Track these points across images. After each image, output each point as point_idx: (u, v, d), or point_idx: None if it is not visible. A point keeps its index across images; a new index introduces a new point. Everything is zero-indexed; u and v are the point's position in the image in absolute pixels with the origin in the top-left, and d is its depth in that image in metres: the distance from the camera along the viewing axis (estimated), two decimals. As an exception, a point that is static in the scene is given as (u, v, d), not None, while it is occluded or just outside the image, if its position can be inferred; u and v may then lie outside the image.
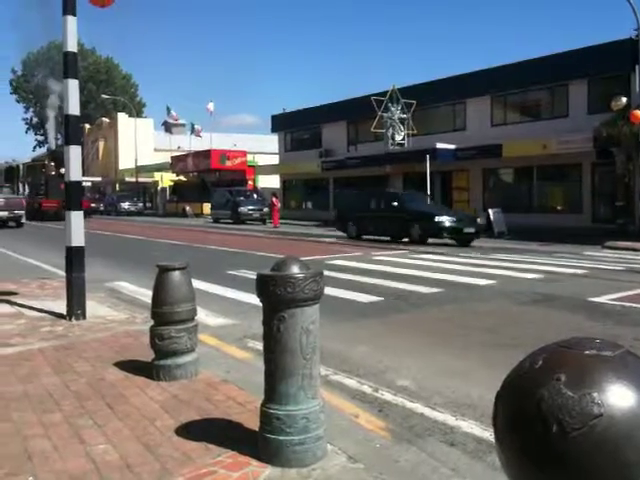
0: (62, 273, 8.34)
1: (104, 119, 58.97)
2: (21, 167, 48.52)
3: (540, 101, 28.58)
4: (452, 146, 28.87)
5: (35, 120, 69.22)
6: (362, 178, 34.97)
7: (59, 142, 57.91)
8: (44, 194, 38.64)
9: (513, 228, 23.21)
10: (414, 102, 31.54)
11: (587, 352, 1.25)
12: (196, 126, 52.23)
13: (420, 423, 4.01)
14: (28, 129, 70.71)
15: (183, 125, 56.21)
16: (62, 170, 35.02)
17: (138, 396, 4.26)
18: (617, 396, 1.17)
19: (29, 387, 4.46)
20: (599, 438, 1.14)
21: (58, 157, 36.75)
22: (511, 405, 1.28)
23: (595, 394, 1.17)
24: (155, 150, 61.80)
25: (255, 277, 3.22)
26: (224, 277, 11.06)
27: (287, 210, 40.19)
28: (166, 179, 54.21)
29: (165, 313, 4.58)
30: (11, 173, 50.80)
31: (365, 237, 21.32)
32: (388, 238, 20.48)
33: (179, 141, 57.43)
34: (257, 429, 3.28)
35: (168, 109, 55.19)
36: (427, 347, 6.17)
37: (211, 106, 51.09)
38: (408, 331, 6.94)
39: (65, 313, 6.96)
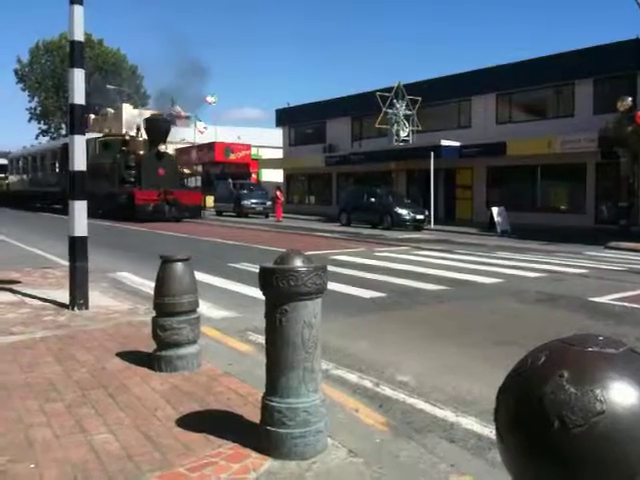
0: (65, 262, 8.36)
1: (109, 109, 58.88)
2: (90, 143, 34.63)
3: (545, 100, 28.50)
4: (457, 143, 28.81)
5: (39, 109, 69.09)
6: (366, 174, 34.94)
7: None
8: (135, 182, 28.86)
9: (516, 227, 23.19)
10: (419, 99, 31.49)
11: (590, 349, 1.25)
12: (199, 124, 51.57)
13: (420, 419, 4.02)
14: (31, 118, 70.60)
15: (188, 117, 56.05)
16: (162, 147, 28.73)
17: (139, 386, 4.28)
18: (620, 393, 1.17)
19: (31, 376, 4.48)
20: (601, 435, 1.15)
21: (156, 127, 29.28)
22: (513, 401, 1.28)
23: (598, 391, 1.17)
24: (159, 142, 61.45)
25: (257, 270, 3.23)
26: (226, 270, 11.07)
27: (290, 204, 40.16)
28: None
29: (167, 304, 4.59)
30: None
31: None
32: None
33: (183, 133, 57.34)
34: (258, 421, 3.29)
35: (172, 101, 55.07)
36: (429, 343, 6.18)
37: (210, 99, 50.64)
38: (410, 327, 6.95)
39: (68, 303, 6.98)
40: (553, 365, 1.24)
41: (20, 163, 45.37)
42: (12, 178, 47.73)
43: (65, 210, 28.19)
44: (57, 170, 35.71)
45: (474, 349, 5.92)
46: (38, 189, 38.29)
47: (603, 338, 1.30)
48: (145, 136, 30.18)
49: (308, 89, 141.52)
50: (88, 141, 32.92)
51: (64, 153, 34.37)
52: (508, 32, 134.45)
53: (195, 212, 29.50)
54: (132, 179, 28.77)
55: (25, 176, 43.31)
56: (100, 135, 34.83)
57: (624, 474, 1.15)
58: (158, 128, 29.27)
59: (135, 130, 31.89)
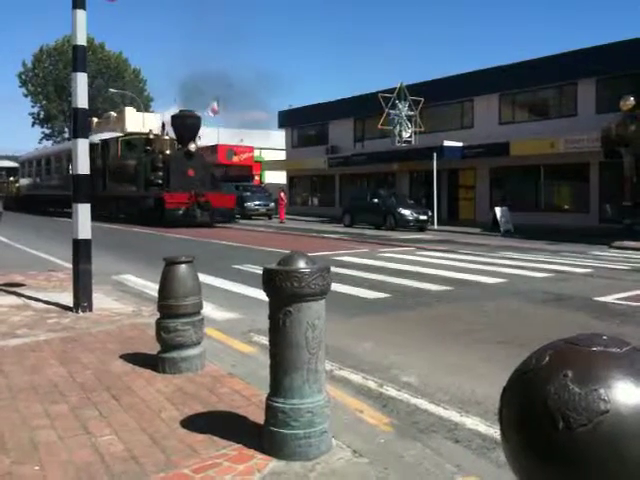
0: (68, 265, 8.37)
1: (112, 113, 58.96)
2: (112, 143, 30.58)
3: (548, 100, 28.48)
4: (459, 144, 28.79)
5: (42, 114, 69.22)
6: (368, 175, 34.96)
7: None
8: (163, 184, 26.33)
9: (519, 227, 23.19)
10: (422, 99, 31.48)
11: (594, 349, 1.25)
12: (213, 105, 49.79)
13: (425, 419, 4.02)
14: (34, 123, 70.74)
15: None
16: (191, 146, 26.23)
17: (144, 388, 4.28)
18: (624, 392, 1.17)
19: (35, 378, 4.48)
20: (605, 434, 1.15)
21: (184, 124, 26.85)
22: (518, 401, 1.28)
23: (602, 390, 1.17)
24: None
25: (261, 272, 3.23)
26: (229, 271, 11.07)
27: (293, 206, 40.19)
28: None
29: (171, 306, 4.60)
30: (89, 153, 35.84)
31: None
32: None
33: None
34: (262, 422, 3.30)
35: (176, 102, 55.03)
36: (433, 344, 6.17)
37: (215, 107, 50.02)
38: (414, 328, 6.94)
39: (72, 305, 6.99)
40: (557, 365, 1.24)
41: (32, 166, 42.99)
42: (23, 181, 45.52)
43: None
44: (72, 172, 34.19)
45: (478, 349, 5.91)
46: (51, 192, 35.96)
47: (607, 338, 1.30)
48: (170, 135, 28.35)
49: (310, 91, 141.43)
50: (110, 141, 29.39)
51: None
52: (510, 32, 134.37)
53: (229, 216, 27.60)
54: (159, 181, 26.59)
55: (38, 179, 41.07)
56: (122, 134, 32.43)
57: (628, 473, 1.15)
58: (187, 125, 27.03)
59: (160, 128, 30.01)
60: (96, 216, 27.12)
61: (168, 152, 27.29)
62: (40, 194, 39.14)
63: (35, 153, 46.82)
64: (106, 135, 32.68)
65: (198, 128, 27.70)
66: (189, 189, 25.20)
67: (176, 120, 27.20)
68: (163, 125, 29.52)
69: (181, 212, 24.82)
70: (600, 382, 1.18)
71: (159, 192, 25.76)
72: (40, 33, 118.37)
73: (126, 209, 27.78)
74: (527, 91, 28.41)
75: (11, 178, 48.97)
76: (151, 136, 28.91)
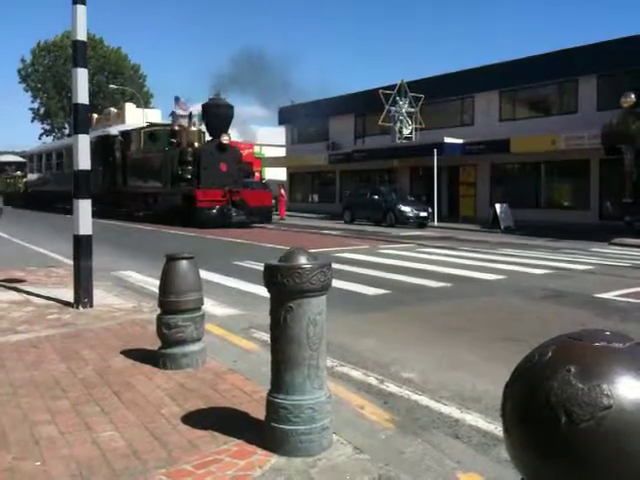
0: (69, 261, 8.38)
1: (112, 109, 58.91)
2: (134, 135, 28.06)
3: (549, 97, 28.46)
4: (460, 141, 28.79)
5: (42, 109, 69.10)
6: (369, 171, 34.93)
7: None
8: (193, 180, 23.91)
9: (520, 223, 23.20)
10: (422, 96, 31.46)
11: (597, 344, 1.25)
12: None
13: (425, 415, 4.02)
14: (34, 118, 70.62)
15: (192, 115, 55.61)
16: (224, 137, 23.73)
17: (145, 384, 4.29)
18: (627, 388, 1.17)
19: (36, 374, 4.49)
20: (608, 429, 1.15)
21: (217, 114, 24.52)
22: (520, 396, 1.28)
23: (604, 385, 1.17)
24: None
25: (261, 268, 3.23)
26: (230, 267, 11.07)
27: (293, 202, 40.17)
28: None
29: (172, 302, 4.60)
30: (107, 145, 29.35)
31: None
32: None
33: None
34: (263, 418, 3.30)
35: (176, 99, 54.92)
36: (433, 340, 6.18)
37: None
38: (415, 324, 6.94)
39: (72, 301, 6.99)
40: (560, 360, 1.24)
41: (42, 160, 40.63)
42: (31, 177, 43.37)
43: (101, 213, 24.46)
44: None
45: (479, 346, 5.91)
46: (62, 189, 30.98)
47: (610, 333, 1.30)
48: (197, 126, 26.45)
49: (311, 87, 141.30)
50: (131, 133, 27.93)
51: (100, 147, 28.11)
52: (511, 29, 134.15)
53: (266, 215, 24.83)
54: (188, 176, 23.98)
55: (48, 174, 38.64)
56: (145, 125, 30.13)
57: (631, 468, 1.15)
58: (220, 115, 24.52)
59: (187, 119, 27.86)
60: (115, 214, 26.21)
61: (197, 144, 25.02)
62: (49, 190, 37.07)
63: (43, 147, 45.08)
64: (125, 127, 30.95)
65: (231, 118, 25.36)
66: (222, 185, 23.04)
67: (208, 109, 24.78)
68: (190, 115, 27.65)
69: (214, 211, 22.39)
70: (603, 377, 1.18)
71: (189, 189, 23.40)
72: (39, 28, 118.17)
73: (149, 207, 25.87)
74: (528, 88, 28.38)
75: (18, 173, 47.53)
76: (176, 127, 26.84)
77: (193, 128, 26.29)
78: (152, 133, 27.97)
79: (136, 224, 23.83)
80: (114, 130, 29.81)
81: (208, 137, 25.42)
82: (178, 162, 24.39)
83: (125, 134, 28.63)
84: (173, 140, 25.95)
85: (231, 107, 25.24)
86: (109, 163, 28.90)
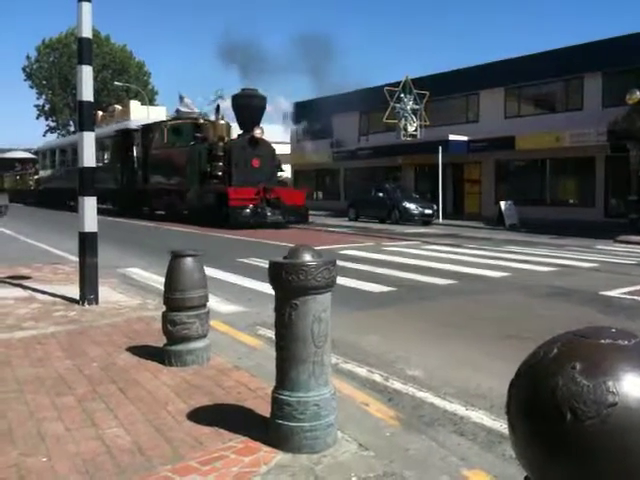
0: (75, 258, 8.40)
1: (117, 106, 58.95)
2: (156, 130, 26.48)
3: (554, 94, 28.35)
4: (465, 138, 28.74)
5: (47, 106, 69.23)
6: (373, 169, 34.88)
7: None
8: (224, 177, 22.32)
9: (524, 221, 23.16)
10: (427, 93, 31.42)
11: (602, 341, 1.25)
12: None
13: (430, 412, 4.03)
14: (39, 115, 70.76)
15: (199, 114, 55.61)
16: (257, 131, 22.15)
17: (150, 381, 4.30)
18: (632, 385, 1.17)
19: (42, 370, 4.50)
20: (613, 427, 1.14)
21: (249, 105, 23.01)
22: (525, 393, 1.28)
23: (610, 382, 1.17)
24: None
25: (266, 265, 3.23)
26: (235, 265, 11.09)
27: (298, 200, 40.08)
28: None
29: (177, 299, 4.61)
30: (127, 140, 28.30)
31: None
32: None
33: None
34: (268, 415, 3.31)
35: (181, 97, 54.94)
36: (438, 337, 6.18)
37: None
38: (419, 321, 6.95)
39: (78, 298, 7.02)
40: (565, 357, 1.24)
41: (55, 156, 39.17)
42: (42, 173, 42.10)
43: (119, 212, 23.24)
44: (107, 162, 29.66)
45: (484, 343, 5.91)
46: (74, 185, 30.86)
47: (615, 330, 1.30)
48: (224, 120, 24.77)
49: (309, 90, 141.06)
50: (153, 127, 26.54)
51: (119, 142, 27.74)
52: (516, 26, 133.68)
53: (302, 215, 22.84)
54: (218, 173, 22.29)
55: (62, 170, 36.99)
56: (168, 119, 29.12)
57: (636, 465, 1.15)
58: (253, 106, 22.99)
59: (214, 111, 25.89)
60: (135, 214, 25.33)
61: (225, 139, 23.50)
62: (62, 187, 35.23)
63: (56, 142, 44.04)
64: (152, 120, 29.64)
65: (264, 110, 24.03)
66: (255, 183, 21.51)
67: (239, 100, 23.25)
68: (217, 108, 25.62)
69: (248, 211, 20.80)
70: (608, 374, 1.18)
71: (220, 186, 21.84)
72: (44, 26, 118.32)
73: (173, 205, 24.40)
74: (533, 85, 28.30)
75: (28, 170, 46.46)
76: (201, 121, 25.54)
77: (221, 122, 24.61)
78: (176, 127, 26.28)
79: (166, 224, 22.31)
80: (132, 124, 28.51)
81: (238, 131, 24.18)
82: (207, 158, 22.79)
83: (146, 128, 27.25)
84: (198, 134, 24.63)
85: (264, 98, 23.89)
86: (129, 159, 27.88)
